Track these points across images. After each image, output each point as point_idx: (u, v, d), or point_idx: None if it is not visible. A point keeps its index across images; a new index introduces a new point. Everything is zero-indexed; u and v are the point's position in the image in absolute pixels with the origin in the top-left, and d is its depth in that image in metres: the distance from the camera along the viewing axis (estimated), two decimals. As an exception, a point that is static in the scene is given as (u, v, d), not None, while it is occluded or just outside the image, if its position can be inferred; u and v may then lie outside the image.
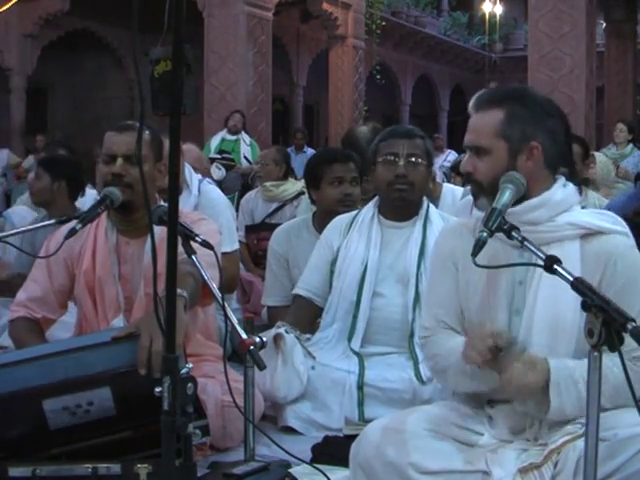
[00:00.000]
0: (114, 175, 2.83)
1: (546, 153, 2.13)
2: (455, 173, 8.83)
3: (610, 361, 1.85)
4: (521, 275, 2.13)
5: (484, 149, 2.13)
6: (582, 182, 4.71)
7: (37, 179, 4.45)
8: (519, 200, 2.10)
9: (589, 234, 2.12)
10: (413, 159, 3.28)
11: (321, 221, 3.81)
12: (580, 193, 4.72)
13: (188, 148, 5.15)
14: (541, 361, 2.00)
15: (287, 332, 3.11)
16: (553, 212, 2.13)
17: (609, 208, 3.93)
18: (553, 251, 2.00)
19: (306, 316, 3.40)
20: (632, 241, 2.16)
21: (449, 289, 2.24)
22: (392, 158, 3.27)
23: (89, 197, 5.01)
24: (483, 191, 2.14)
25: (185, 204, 3.78)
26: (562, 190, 2.16)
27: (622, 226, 2.16)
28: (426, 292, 2.57)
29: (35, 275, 3.04)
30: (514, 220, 2.03)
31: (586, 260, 2.09)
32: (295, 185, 5.97)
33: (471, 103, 2.19)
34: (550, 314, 2.07)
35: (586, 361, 1.72)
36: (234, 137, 9.71)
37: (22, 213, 5.34)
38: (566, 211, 2.14)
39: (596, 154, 6.66)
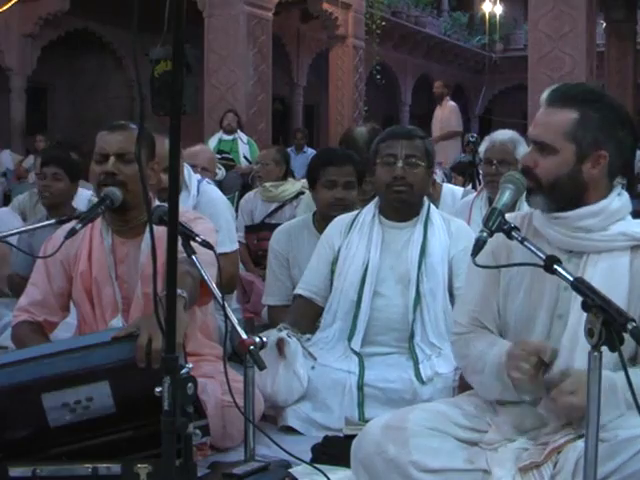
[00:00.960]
0: (107, 174, 2.82)
1: (611, 162, 2.08)
2: (457, 173, 8.84)
3: None
4: None
5: (551, 147, 2.07)
6: None
7: (56, 180, 4.44)
8: (574, 205, 2.07)
9: (638, 245, 2.09)
10: (412, 160, 3.27)
11: (320, 221, 3.82)
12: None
13: (202, 149, 5.17)
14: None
15: (289, 336, 3.11)
16: (608, 221, 2.10)
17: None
18: (603, 260, 2.00)
19: (307, 316, 3.40)
20: None
21: (487, 287, 2.21)
22: (391, 159, 3.27)
23: (83, 197, 5.01)
24: (540, 189, 2.08)
25: (184, 204, 3.77)
26: (618, 199, 2.13)
27: None
28: (463, 288, 2.53)
29: (35, 279, 3.03)
30: (567, 225, 2.02)
31: (634, 272, 2.07)
32: (295, 185, 5.96)
33: (545, 95, 2.12)
34: None
35: (631, 370, 1.70)
36: (231, 137, 9.70)
37: (3, 217, 5.30)
38: (620, 220, 2.12)
39: None
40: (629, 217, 2.16)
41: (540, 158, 2.09)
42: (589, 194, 2.09)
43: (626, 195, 2.18)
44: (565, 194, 2.10)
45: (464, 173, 7.67)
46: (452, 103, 11.28)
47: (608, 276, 1.91)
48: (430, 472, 2.04)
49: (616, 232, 2.09)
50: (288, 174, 6.27)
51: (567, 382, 1.94)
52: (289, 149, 11.22)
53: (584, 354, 1.91)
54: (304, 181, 5.61)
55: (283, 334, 3.10)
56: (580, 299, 2.01)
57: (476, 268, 2.21)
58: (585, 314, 1.99)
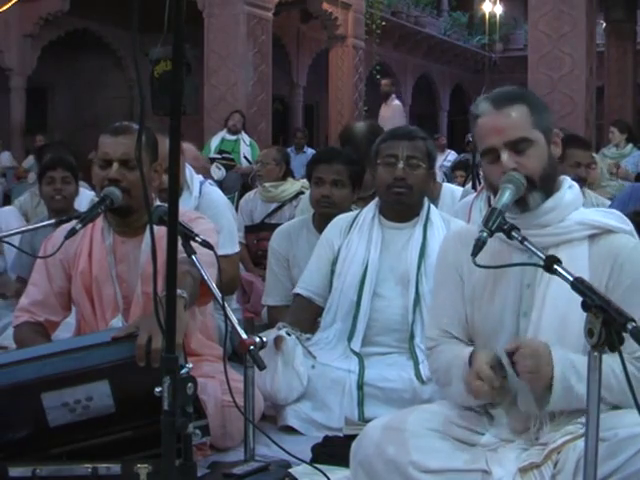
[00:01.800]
0: (110, 180, 2.82)
1: None
2: (458, 169, 8.87)
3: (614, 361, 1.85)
4: (529, 278, 2.13)
5: (528, 140, 2.10)
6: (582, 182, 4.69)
7: (66, 183, 4.45)
8: (528, 204, 2.09)
9: (596, 234, 2.12)
10: (413, 161, 3.27)
11: (320, 221, 3.82)
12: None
13: (185, 147, 5.15)
14: (546, 351, 1.99)
15: (288, 334, 3.11)
16: (564, 213, 2.13)
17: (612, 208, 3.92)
18: (562, 253, 2.00)
19: (306, 316, 3.40)
20: (637, 239, 2.16)
21: (453, 298, 2.23)
22: (392, 160, 3.27)
23: (85, 198, 5.01)
24: (533, 186, 2.09)
25: (185, 205, 3.77)
26: (570, 191, 2.17)
27: (628, 224, 2.17)
28: (430, 302, 2.55)
29: (35, 279, 3.03)
30: (525, 224, 2.04)
31: (594, 261, 2.09)
32: (294, 185, 5.96)
33: (485, 105, 2.14)
34: (558, 315, 2.07)
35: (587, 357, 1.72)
36: (234, 137, 9.72)
37: (8, 217, 5.30)
38: (574, 211, 2.15)
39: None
40: (582, 208, 2.19)
41: (519, 157, 2.10)
42: (556, 182, 2.15)
43: (577, 187, 2.21)
44: (552, 181, 2.14)
45: (466, 169, 7.70)
46: (397, 102, 11.20)
47: (568, 267, 1.92)
48: (430, 473, 2.05)
49: (572, 222, 2.12)
50: (288, 174, 6.27)
51: (523, 349, 1.97)
52: (289, 149, 11.23)
53: None
54: (304, 181, 5.62)
55: (282, 332, 3.11)
56: (541, 295, 2.08)
57: (441, 280, 2.30)
58: (546, 311, 2.05)
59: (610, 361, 1.83)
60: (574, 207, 2.16)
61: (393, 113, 10.80)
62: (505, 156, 2.10)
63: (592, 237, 2.12)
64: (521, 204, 2.10)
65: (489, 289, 2.16)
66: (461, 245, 2.24)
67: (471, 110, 2.20)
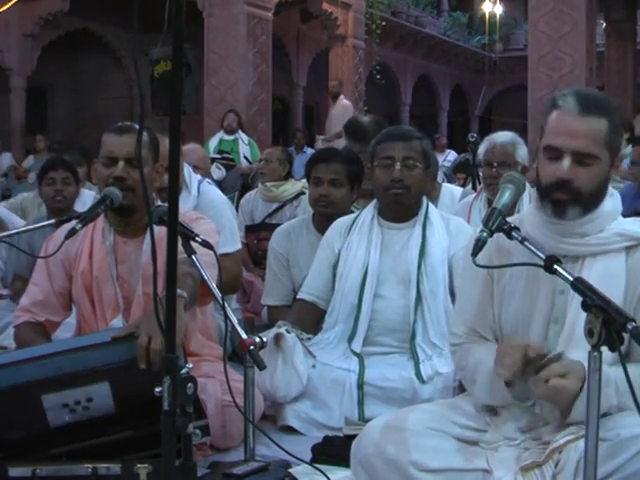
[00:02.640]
0: (115, 178, 2.82)
1: None
2: (459, 171, 8.87)
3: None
4: (562, 284, 2.09)
5: (594, 156, 2.05)
6: None
7: (66, 184, 4.47)
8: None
9: (633, 245, 2.10)
10: (409, 162, 3.27)
11: (320, 222, 3.82)
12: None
13: (192, 148, 5.16)
14: (578, 368, 1.94)
15: (288, 332, 3.11)
16: (604, 223, 2.10)
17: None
18: (599, 263, 2.00)
19: (310, 319, 3.39)
20: None
21: (482, 297, 2.21)
22: (388, 162, 3.26)
23: (88, 198, 5.02)
24: (579, 200, 2.05)
25: (184, 204, 3.76)
26: (611, 200, 2.14)
27: None
28: (458, 298, 2.51)
29: (36, 279, 3.03)
30: (564, 231, 2.03)
31: (630, 272, 2.07)
32: (295, 185, 5.97)
33: (571, 101, 2.06)
34: None
35: (630, 367, 1.70)
36: (232, 137, 9.72)
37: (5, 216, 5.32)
38: (613, 221, 2.12)
39: None
40: (620, 217, 2.16)
41: (579, 169, 2.04)
42: (599, 200, 2.10)
43: (617, 195, 2.18)
44: (598, 201, 2.09)
45: (467, 170, 7.70)
46: (346, 102, 11.29)
47: (604, 278, 1.90)
48: (430, 472, 2.05)
49: (612, 233, 2.09)
50: (289, 175, 6.28)
51: (558, 364, 1.94)
52: (289, 149, 11.24)
53: (580, 357, 1.94)
54: (304, 181, 5.62)
55: (282, 330, 3.11)
56: (576, 303, 1.99)
57: (470, 277, 2.25)
58: (580, 318, 1.99)
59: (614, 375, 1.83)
60: (613, 217, 2.13)
61: (343, 112, 10.90)
62: (567, 162, 2.04)
63: (629, 248, 2.10)
64: (559, 212, 2.06)
65: (520, 292, 2.14)
66: (493, 244, 2.16)
67: (555, 97, 2.11)
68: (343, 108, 10.98)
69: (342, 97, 11.23)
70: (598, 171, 2.06)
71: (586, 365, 1.89)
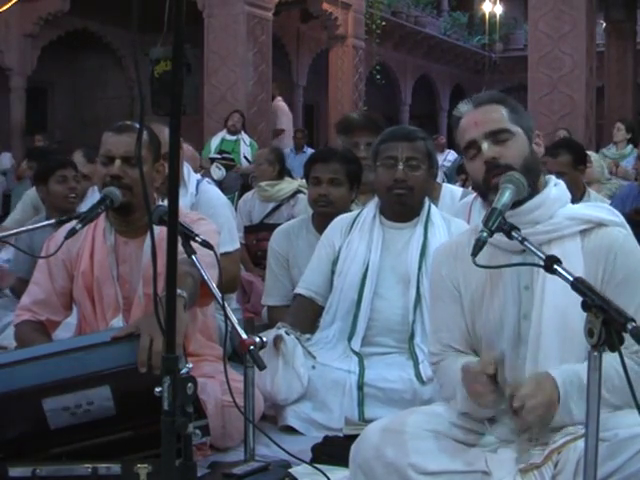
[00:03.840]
0: (112, 177, 2.82)
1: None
2: (460, 173, 8.86)
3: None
4: (526, 280, 2.13)
5: (507, 131, 2.13)
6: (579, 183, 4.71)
7: (77, 182, 4.42)
8: (520, 201, 2.09)
9: (588, 229, 2.12)
10: (413, 163, 3.26)
11: (319, 221, 3.82)
12: (583, 194, 4.73)
13: (182, 147, 5.16)
14: (547, 378, 1.97)
15: (287, 333, 3.11)
16: (552, 209, 2.13)
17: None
18: (555, 250, 2.00)
19: (307, 315, 3.40)
20: (629, 231, 2.16)
21: (452, 312, 2.23)
22: (391, 162, 3.26)
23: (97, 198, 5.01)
24: None
25: (181, 202, 3.76)
26: (556, 188, 2.18)
27: (618, 216, 2.17)
28: (429, 317, 2.54)
29: (37, 278, 3.03)
30: (517, 222, 2.03)
31: (587, 256, 2.09)
32: (291, 184, 5.97)
33: (465, 106, 2.19)
34: (558, 317, 2.06)
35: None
36: (234, 137, 9.73)
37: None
38: (561, 207, 2.16)
39: (588, 153, 6.67)
40: (570, 205, 2.19)
41: (498, 147, 2.12)
42: (540, 180, 2.15)
43: (563, 185, 2.22)
44: (535, 174, 2.14)
45: (466, 171, 7.69)
46: (281, 103, 12.22)
47: (562, 263, 1.91)
48: (429, 474, 2.04)
49: (562, 218, 2.12)
50: (284, 174, 6.28)
51: (524, 388, 1.95)
52: (289, 149, 11.24)
53: (549, 351, 2.04)
54: (302, 181, 5.62)
55: (281, 331, 3.10)
56: (540, 296, 2.07)
57: (437, 296, 2.29)
58: (546, 312, 2.04)
59: (613, 361, 1.82)
60: (561, 203, 2.16)
61: (280, 113, 11.91)
62: (485, 145, 2.12)
63: (583, 232, 2.12)
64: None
65: (487, 295, 2.16)
66: (453, 258, 2.24)
67: (453, 115, 2.23)
68: (278, 107, 12.07)
69: (279, 98, 12.21)
70: (518, 144, 2.13)
71: (555, 375, 1.96)
